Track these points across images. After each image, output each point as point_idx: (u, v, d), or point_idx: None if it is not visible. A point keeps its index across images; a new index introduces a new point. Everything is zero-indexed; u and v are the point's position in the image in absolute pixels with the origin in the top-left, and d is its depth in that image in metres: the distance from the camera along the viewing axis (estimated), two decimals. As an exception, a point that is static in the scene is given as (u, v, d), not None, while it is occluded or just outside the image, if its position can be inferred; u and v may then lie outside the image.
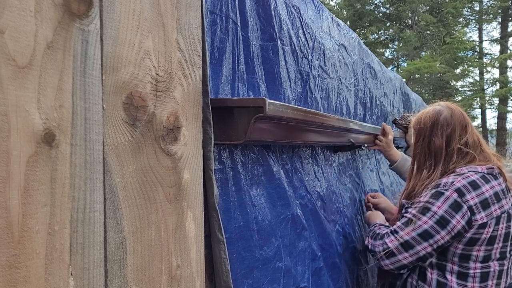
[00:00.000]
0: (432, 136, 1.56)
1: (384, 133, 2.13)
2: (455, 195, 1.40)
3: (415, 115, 1.70)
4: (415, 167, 1.63)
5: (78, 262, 0.56)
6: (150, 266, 0.69)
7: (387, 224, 1.74)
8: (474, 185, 1.42)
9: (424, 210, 1.44)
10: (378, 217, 1.82)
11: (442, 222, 1.40)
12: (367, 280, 2.07)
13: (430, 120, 1.58)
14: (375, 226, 1.67)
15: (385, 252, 1.50)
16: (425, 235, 1.42)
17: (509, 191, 1.52)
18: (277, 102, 0.98)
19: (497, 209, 1.42)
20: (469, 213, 1.38)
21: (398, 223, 1.51)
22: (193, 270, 0.80)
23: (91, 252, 0.58)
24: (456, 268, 1.44)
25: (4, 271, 0.47)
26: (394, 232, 1.50)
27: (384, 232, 1.55)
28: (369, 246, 1.59)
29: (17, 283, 0.48)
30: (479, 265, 1.42)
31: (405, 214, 1.52)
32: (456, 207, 1.39)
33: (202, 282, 0.83)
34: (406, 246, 1.45)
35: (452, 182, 1.43)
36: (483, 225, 1.39)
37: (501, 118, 16.58)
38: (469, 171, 1.46)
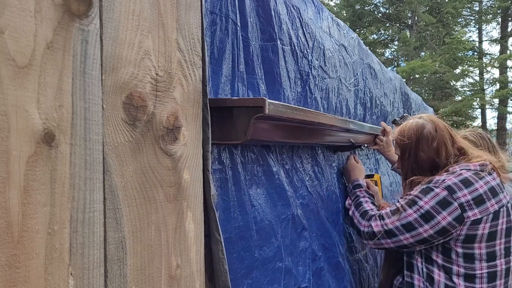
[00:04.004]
0: (418, 151, 1.57)
1: (384, 133, 2.13)
2: (444, 193, 1.41)
3: (414, 116, 1.69)
4: (405, 183, 1.64)
5: (78, 262, 0.56)
6: (150, 266, 0.69)
7: (365, 186, 1.78)
8: (466, 183, 1.42)
9: (411, 203, 1.47)
10: (361, 174, 1.83)
11: (427, 217, 1.42)
12: (369, 281, 2.07)
13: (414, 135, 1.58)
14: (360, 191, 1.71)
15: (368, 234, 1.55)
16: (408, 227, 1.45)
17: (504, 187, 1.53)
18: (277, 102, 0.98)
19: (494, 204, 1.42)
20: (459, 210, 1.39)
21: (388, 209, 1.55)
22: (193, 270, 0.80)
23: (91, 252, 0.58)
24: (462, 270, 1.43)
25: (3, 271, 0.47)
26: (381, 217, 1.54)
27: (373, 214, 1.58)
28: (355, 220, 1.63)
29: (17, 283, 0.48)
30: (485, 264, 1.41)
31: (395, 203, 1.56)
32: (444, 204, 1.41)
33: (202, 282, 0.83)
34: (390, 234, 1.49)
35: (443, 180, 1.45)
36: (477, 221, 1.39)
37: (501, 118, 16.55)
38: (461, 170, 1.48)
